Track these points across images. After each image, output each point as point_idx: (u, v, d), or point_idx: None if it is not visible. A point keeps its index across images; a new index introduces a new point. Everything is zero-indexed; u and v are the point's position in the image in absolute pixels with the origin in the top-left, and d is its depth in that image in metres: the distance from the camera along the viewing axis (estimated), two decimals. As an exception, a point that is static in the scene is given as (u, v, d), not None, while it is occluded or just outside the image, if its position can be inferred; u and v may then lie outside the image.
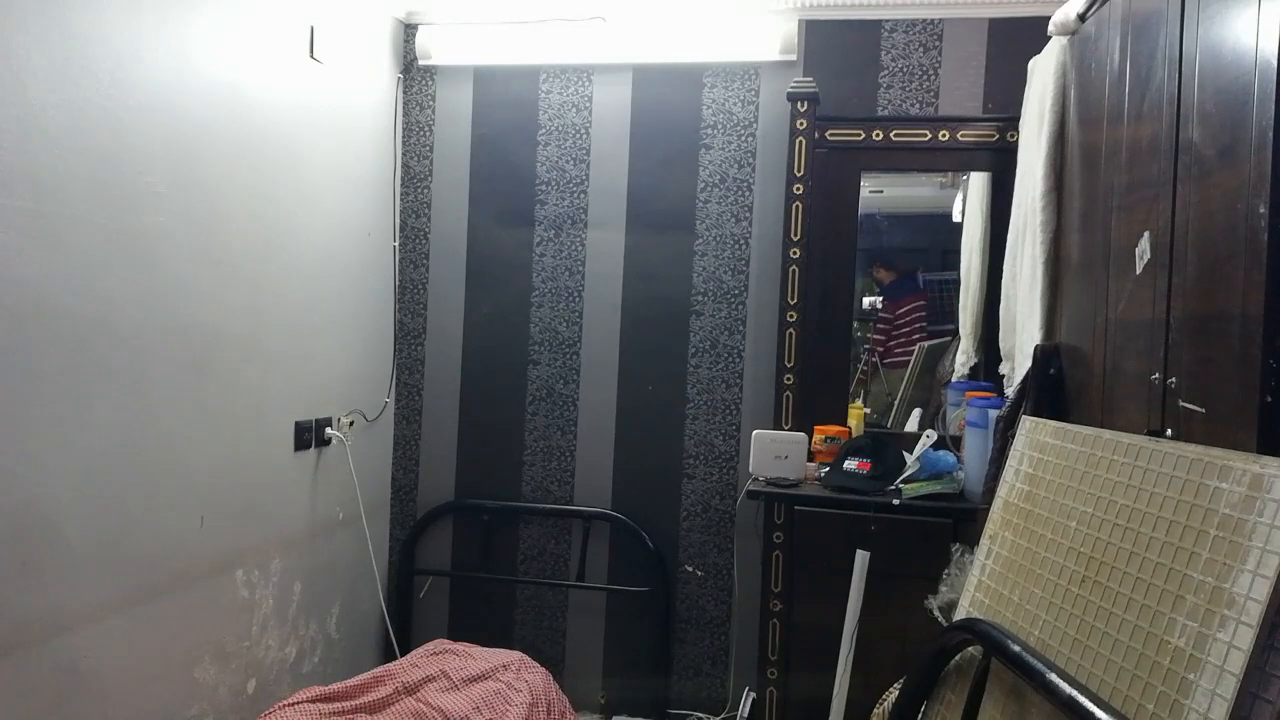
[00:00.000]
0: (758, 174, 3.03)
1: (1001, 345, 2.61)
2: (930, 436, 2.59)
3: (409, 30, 3.22)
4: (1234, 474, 1.24)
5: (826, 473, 2.65)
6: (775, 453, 2.66)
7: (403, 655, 2.69)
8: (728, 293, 3.05)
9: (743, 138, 3.04)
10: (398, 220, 3.25)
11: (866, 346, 3.12)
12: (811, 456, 2.75)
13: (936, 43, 2.90)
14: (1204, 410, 1.44)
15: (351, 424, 2.95)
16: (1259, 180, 1.30)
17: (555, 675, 2.58)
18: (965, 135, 2.81)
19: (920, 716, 1.76)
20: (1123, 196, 1.82)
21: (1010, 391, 2.33)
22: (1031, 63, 2.52)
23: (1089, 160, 2.04)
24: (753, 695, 2.79)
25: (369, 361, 3.11)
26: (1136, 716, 1.24)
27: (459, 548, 3.26)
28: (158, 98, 2.06)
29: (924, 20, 2.90)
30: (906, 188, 3.15)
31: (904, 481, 2.52)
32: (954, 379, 2.92)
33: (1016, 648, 1.46)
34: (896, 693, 1.93)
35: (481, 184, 3.23)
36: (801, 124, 2.80)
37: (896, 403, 3.10)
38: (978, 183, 2.92)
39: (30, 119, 1.74)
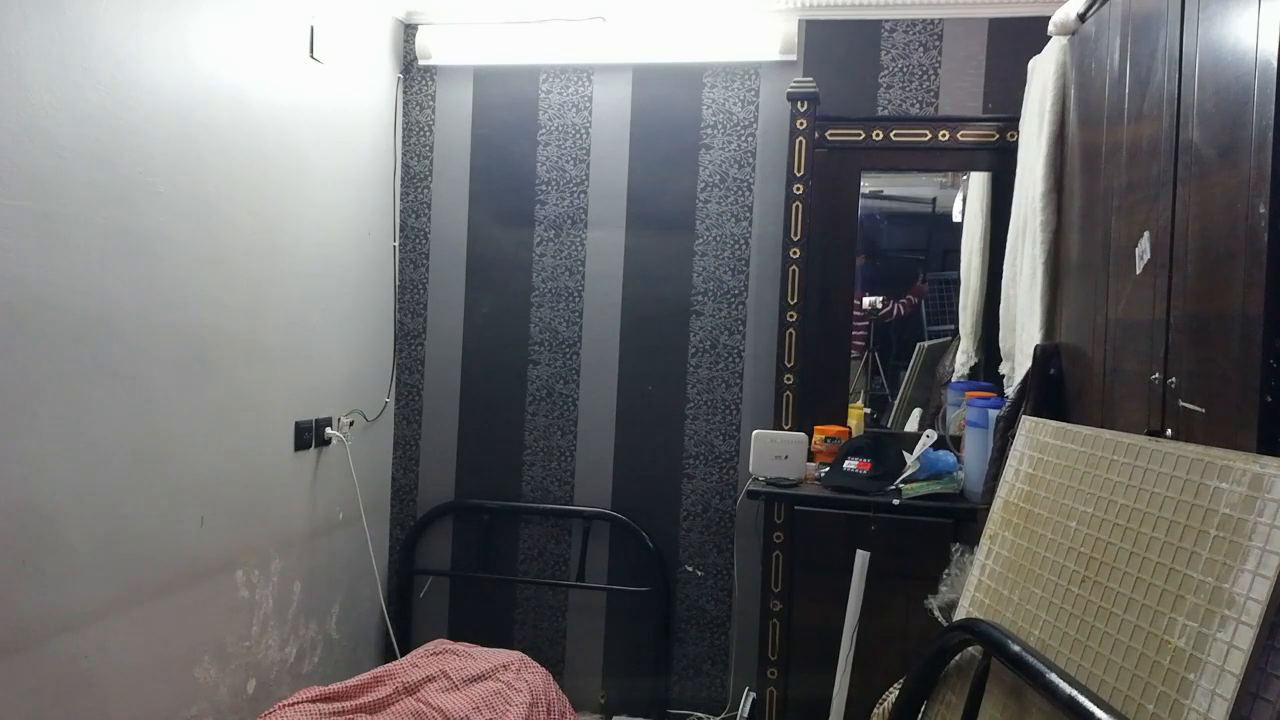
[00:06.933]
0: (758, 174, 3.03)
1: (1001, 345, 2.61)
2: (930, 436, 2.59)
3: (409, 30, 3.22)
4: (1234, 474, 1.24)
5: (826, 473, 2.65)
6: (775, 453, 2.66)
7: (403, 655, 2.69)
8: (728, 293, 3.05)
9: (743, 138, 3.03)
10: (398, 220, 3.25)
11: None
12: (811, 456, 2.75)
13: (936, 43, 2.90)
14: (1204, 410, 1.44)
15: (351, 424, 2.95)
16: (1259, 180, 1.30)
17: (555, 675, 2.58)
18: (965, 135, 2.81)
19: (920, 716, 1.76)
20: (1123, 196, 1.82)
21: (1010, 391, 2.33)
22: (1031, 63, 2.52)
23: (1089, 160, 2.04)
24: (753, 695, 2.79)
25: (369, 361, 3.11)
26: (1136, 716, 1.24)
27: (459, 548, 3.26)
28: (158, 98, 2.06)
29: (924, 20, 2.90)
30: (906, 188, 3.15)
31: (904, 481, 2.52)
32: (954, 379, 2.93)
33: (1016, 648, 1.46)
34: (896, 693, 1.93)
35: (481, 184, 3.23)
36: (801, 124, 2.80)
37: (896, 402, 3.10)
38: (978, 183, 2.92)
39: (30, 119, 1.74)
